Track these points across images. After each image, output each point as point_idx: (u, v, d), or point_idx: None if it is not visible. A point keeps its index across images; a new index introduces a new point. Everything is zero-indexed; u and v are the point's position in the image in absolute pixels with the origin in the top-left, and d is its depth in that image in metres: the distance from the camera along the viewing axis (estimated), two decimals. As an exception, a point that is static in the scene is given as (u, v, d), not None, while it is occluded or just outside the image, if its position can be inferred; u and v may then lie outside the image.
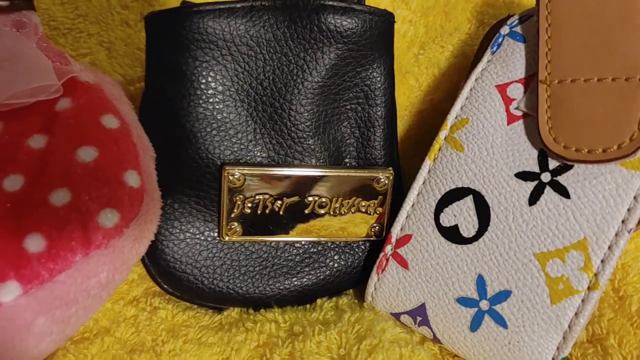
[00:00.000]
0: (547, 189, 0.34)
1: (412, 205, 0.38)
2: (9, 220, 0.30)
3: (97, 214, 0.30)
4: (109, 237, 0.30)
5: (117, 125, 0.33)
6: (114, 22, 0.43)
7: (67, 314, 0.30)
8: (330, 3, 0.37)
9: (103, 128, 0.33)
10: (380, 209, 0.40)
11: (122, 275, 0.32)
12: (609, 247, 0.32)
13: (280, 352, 0.35)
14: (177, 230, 0.38)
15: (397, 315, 0.38)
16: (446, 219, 0.36)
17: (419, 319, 0.37)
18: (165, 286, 0.39)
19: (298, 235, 0.39)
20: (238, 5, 0.36)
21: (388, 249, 0.38)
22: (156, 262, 0.38)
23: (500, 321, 0.34)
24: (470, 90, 0.38)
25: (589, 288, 0.32)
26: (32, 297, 0.28)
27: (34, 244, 0.29)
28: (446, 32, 0.45)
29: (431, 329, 0.37)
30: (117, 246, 0.31)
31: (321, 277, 0.40)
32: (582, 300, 0.32)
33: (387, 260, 0.38)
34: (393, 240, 0.38)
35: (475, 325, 0.35)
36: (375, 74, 0.39)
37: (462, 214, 0.36)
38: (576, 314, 0.32)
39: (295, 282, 0.40)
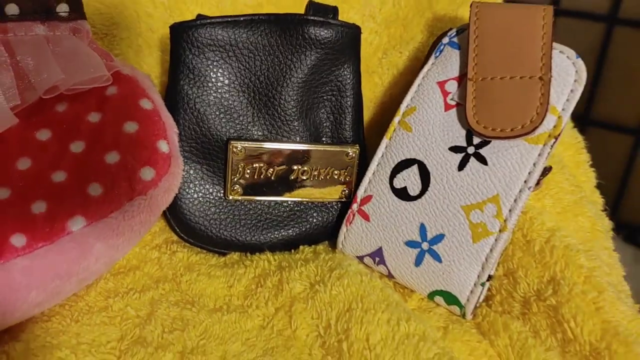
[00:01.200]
0: (471, 159, 0.45)
1: (373, 173, 0.49)
2: (74, 174, 0.41)
3: (139, 170, 0.41)
4: (147, 187, 0.41)
5: (150, 107, 0.44)
6: (140, 29, 0.54)
7: (116, 243, 0.41)
8: (312, 18, 0.48)
9: (141, 108, 0.44)
10: (348, 177, 0.51)
11: (154, 217, 0.43)
12: (515, 200, 0.44)
13: (272, 280, 0.46)
14: (192, 191, 0.49)
15: (361, 258, 0.50)
16: (398, 182, 0.48)
17: (377, 259, 0.48)
18: (182, 234, 0.50)
19: (285, 196, 0.51)
20: (241, 18, 0.48)
21: (354, 206, 0.49)
22: (175, 215, 0.49)
23: (437, 257, 0.45)
24: (418, 85, 0.49)
25: (500, 230, 0.44)
26: (92, 228, 0.39)
27: (94, 190, 0.40)
28: (404, 41, 0.57)
29: (387, 267, 0.48)
30: (153, 194, 0.41)
31: (303, 229, 0.51)
32: (495, 240, 0.44)
33: (354, 215, 0.49)
34: (358, 200, 0.49)
35: (418, 261, 0.46)
36: (346, 72, 0.51)
37: (410, 178, 0.47)
38: (491, 249, 0.44)
39: (283, 233, 0.51)
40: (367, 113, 0.58)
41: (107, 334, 0.41)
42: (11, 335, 0.40)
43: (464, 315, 0.46)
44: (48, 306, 0.41)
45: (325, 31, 0.49)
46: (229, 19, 0.48)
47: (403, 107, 0.49)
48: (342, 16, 0.53)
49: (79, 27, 0.46)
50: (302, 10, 0.51)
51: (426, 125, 0.48)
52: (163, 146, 0.43)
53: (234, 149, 0.48)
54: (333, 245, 0.52)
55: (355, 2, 0.57)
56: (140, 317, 0.43)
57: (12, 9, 0.43)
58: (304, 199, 0.51)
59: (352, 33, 0.50)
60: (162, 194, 0.42)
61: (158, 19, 0.55)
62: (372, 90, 0.57)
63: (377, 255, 0.48)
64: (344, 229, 0.50)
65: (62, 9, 0.45)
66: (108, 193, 0.40)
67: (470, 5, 0.47)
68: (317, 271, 0.46)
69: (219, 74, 0.48)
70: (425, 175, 0.47)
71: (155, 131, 0.43)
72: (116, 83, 0.44)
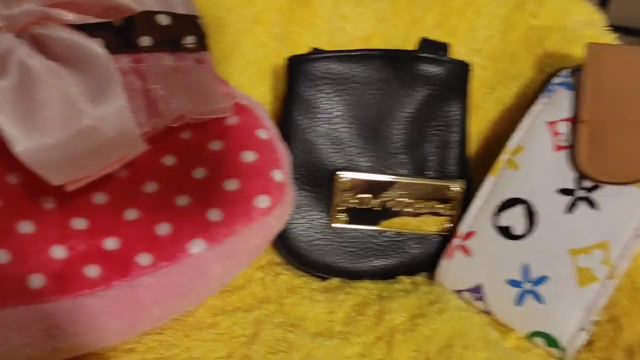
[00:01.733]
0: (581, 202, 0.45)
1: (478, 209, 0.50)
2: (196, 198, 0.43)
3: (256, 198, 0.43)
4: (262, 214, 0.43)
5: (267, 137, 0.47)
6: (254, 57, 0.57)
7: (231, 265, 0.43)
8: (423, 55, 0.50)
9: (258, 138, 0.46)
10: (451, 211, 0.52)
11: (267, 242, 0.45)
12: (624, 247, 0.43)
13: (372, 309, 0.47)
14: (298, 217, 0.51)
15: (459, 292, 0.50)
16: (503, 221, 0.48)
17: (476, 295, 0.49)
18: (287, 257, 0.52)
19: (387, 227, 0.52)
20: (355, 53, 0.50)
21: (456, 241, 0.50)
22: (281, 239, 0.51)
23: (539, 298, 0.45)
24: (528, 124, 0.49)
25: (607, 277, 0.43)
26: (211, 251, 0.41)
27: (214, 215, 0.42)
28: (511, 77, 0.57)
29: (486, 304, 0.48)
30: (267, 221, 0.44)
31: (402, 260, 0.52)
32: (602, 286, 0.43)
33: (455, 249, 0.50)
34: (460, 235, 0.50)
35: (519, 301, 0.46)
36: (454, 108, 0.51)
37: (515, 218, 0.47)
38: (596, 295, 0.44)
39: (383, 262, 0.52)
40: (472, 148, 0.58)
41: (216, 350, 0.44)
42: (127, 346, 0.43)
43: (563, 359, 0.45)
44: (166, 321, 0.44)
45: (436, 68, 0.50)
46: (343, 54, 0.50)
47: (511, 146, 0.49)
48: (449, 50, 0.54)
49: (202, 58, 0.49)
50: (410, 43, 0.53)
51: (534, 165, 0.48)
52: (278, 175, 0.45)
53: (341, 179, 0.50)
54: (431, 276, 0.53)
55: (462, 36, 0.58)
56: (246, 336, 0.45)
57: (145, 40, 0.46)
58: (405, 231, 0.52)
59: (462, 70, 0.51)
60: (276, 221, 0.45)
61: (271, 49, 0.58)
62: (477, 125, 0.58)
63: (477, 292, 0.48)
64: (444, 262, 0.50)
65: (189, 40, 0.48)
66: (226, 218, 0.42)
67: (586, 46, 0.47)
68: (417, 303, 0.47)
69: (331, 106, 0.50)
70: (531, 216, 0.47)
71: (271, 161, 0.45)
72: (235, 113, 0.47)
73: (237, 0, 0.56)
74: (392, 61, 0.50)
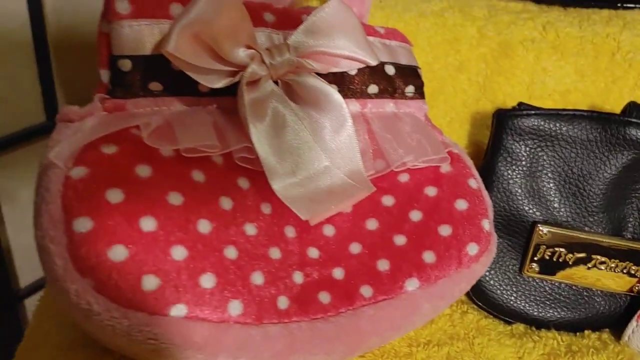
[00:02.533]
0: None
1: (675, 276, 0.50)
2: (412, 239, 0.47)
3: (467, 245, 0.47)
4: (471, 261, 0.47)
5: (476, 186, 0.50)
6: (455, 103, 0.61)
7: (439, 305, 0.47)
8: (634, 120, 0.51)
9: (470, 187, 0.49)
10: (645, 274, 0.53)
11: (470, 286, 0.49)
12: None
13: (562, 361, 0.49)
14: (492, 262, 0.54)
15: (648, 355, 0.51)
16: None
17: (667, 361, 0.50)
18: (475, 298, 0.55)
19: (578, 282, 0.54)
20: (564, 113, 0.52)
21: (649, 304, 0.51)
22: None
23: None
24: None
25: None
26: (424, 290, 0.45)
27: (428, 257, 0.46)
28: None
29: (676, 371, 0.49)
30: (474, 268, 0.47)
31: (589, 314, 0.54)
32: None
33: (648, 313, 0.51)
34: (653, 299, 0.51)
35: None
36: (657, 174, 0.53)
37: None
38: None
39: (569, 314, 0.54)
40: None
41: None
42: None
43: None
44: (375, 348, 0.48)
45: (646, 134, 0.51)
46: (552, 112, 0.52)
47: None
48: None
49: (420, 106, 0.53)
50: (609, 100, 0.54)
51: None
52: (486, 224, 0.48)
53: (540, 232, 0.52)
54: (615, 333, 0.54)
55: (665, 97, 0.59)
56: (439, 369, 0.49)
57: (373, 88, 0.50)
58: (594, 288, 0.54)
59: (671, 138, 0.52)
60: (481, 268, 0.48)
61: (471, 96, 0.61)
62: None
63: (668, 358, 0.49)
64: (633, 323, 0.51)
65: (409, 90, 0.52)
66: (439, 261, 0.46)
67: None
68: (609, 363, 0.49)
69: (535, 160, 0.53)
70: None
71: (481, 210, 0.48)
72: (449, 160, 0.51)
73: (445, 49, 0.60)
74: (601, 123, 0.51)
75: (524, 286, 0.54)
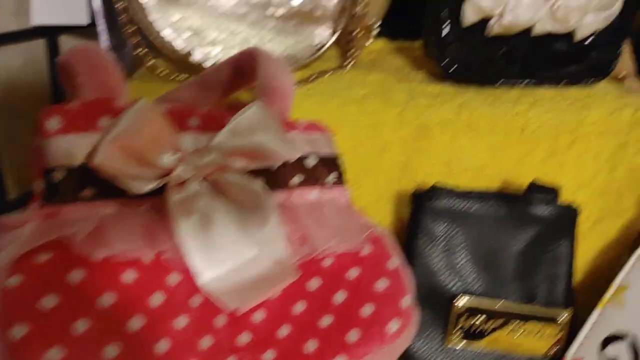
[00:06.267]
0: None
1: (584, 337, 0.55)
2: (337, 320, 0.50)
3: (389, 323, 0.50)
4: (394, 337, 0.50)
5: (396, 266, 0.54)
6: (380, 181, 0.65)
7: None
8: (535, 197, 0.56)
9: (389, 269, 0.53)
10: (559, 337, 0.57)
11: (394, 359, 0.52)
12: None
13: None
14: (417, 335, 0.57)
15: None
16: (609, 352, 0.53)
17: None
18: (407, 368, 0.59)
19: (498, 347, 0.57)
20: (473, 194, 0.57)
21: (564, 366, 0.55)
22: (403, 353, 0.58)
23: None
24: (632, 265, 0.54)
25: None
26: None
27: (353, 335, 0.49)
28: (616, 213, 0.62)
29: None
30: (397, 343, 0.50)
31: (510, 379, 0.58)
32: None
33: (562, 375, 0.55)
34: (567, 359, 0.55)
35: None
36: (562, 247, 0.58)
37: (621, 351, 0.52)
38: None
39: (493, 379, 0.58)
40: (577, 279, 0.63)
41: None
42: None
43: None
44: None
45: (546, 211, 0.56)
46: (463, 193, 0.57)
47: (615, 284, 0.54)
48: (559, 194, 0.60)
49: (341, 192, 0.57)
50: (521, 174, 0.59)
51: (639, 303, 0.53)
52: (407, 301, 0.52)
53: (458, 303, 0.56)
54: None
55: (569, 170, 0.64)
56: None
57: (296, 179, 0.54)
58: (514, 353, 0.58)
59: (571, 214, 0.57)
60: (404, 342, 0.51)
61: (394, 175, 0.65)
62: (582, 257, 0.63)
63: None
64: (552, 384, 0.55)
65: (331, 178, 0.56)
66: (363, 339, 0.49)
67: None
68: None
69: (451, 237, 0.57)
70: (636, 351, 0.51)
71: (401, 288, 0.52)
72: (369, 242, 0.54)
73: (368, 133, 0.65)
74: (507, 202, 0.57)
75: (450, 355, 0.58)
